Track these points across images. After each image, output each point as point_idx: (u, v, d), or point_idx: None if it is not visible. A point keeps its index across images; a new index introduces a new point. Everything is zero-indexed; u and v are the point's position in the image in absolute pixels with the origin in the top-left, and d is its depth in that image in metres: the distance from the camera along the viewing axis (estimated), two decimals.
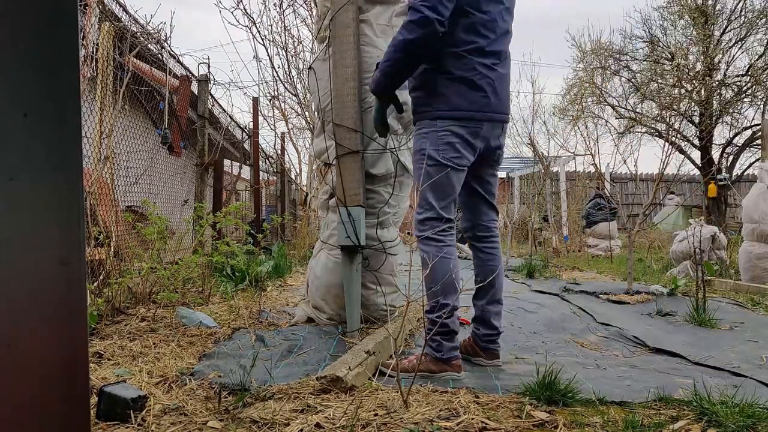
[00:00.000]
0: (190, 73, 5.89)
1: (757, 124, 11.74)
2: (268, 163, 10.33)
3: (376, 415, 1.73)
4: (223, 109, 7.99)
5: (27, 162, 0.76)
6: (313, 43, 3.45)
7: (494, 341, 2.46)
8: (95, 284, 3.26)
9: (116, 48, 4.00)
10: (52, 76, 0.77)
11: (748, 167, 12.69)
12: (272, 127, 10.62)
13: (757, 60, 11.65)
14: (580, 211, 11.26)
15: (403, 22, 2.22)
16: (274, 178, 10.76)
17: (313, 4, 6.30)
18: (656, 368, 2.44)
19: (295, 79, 7.24)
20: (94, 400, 1.74)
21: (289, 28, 7.34)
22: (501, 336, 2.37)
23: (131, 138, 4.53)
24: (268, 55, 8.60)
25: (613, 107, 12.78)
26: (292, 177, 10.86)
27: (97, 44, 3.71)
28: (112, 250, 3.53)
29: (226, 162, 7.78)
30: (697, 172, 13.36)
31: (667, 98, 11.61)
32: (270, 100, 7.75)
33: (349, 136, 2.91)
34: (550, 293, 4.80)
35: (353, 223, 2.84)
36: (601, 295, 4.62)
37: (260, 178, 8.56)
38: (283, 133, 9.61)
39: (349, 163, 2.92)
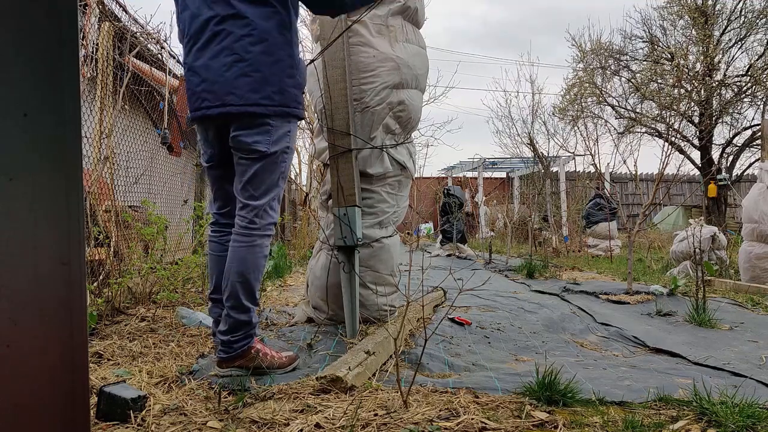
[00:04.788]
0: None
1: (757, 124, 11.74)
2: None
3: (376, 415, 1.73)
4: None
5: (27, 162, 0.76)
6: (312, 43, 3.45)
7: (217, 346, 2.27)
8: (95, 284, 3.26)
9: (116, 48, 3.99)
10: (52, 76, 0.77)
11: (748, 167, 12.70)
12: None
13: (757, 60, 11.65)
14: (580, 211, 11.27)
15: None
16: None
17: None
18: (656, 368, 2.44)
19: None
20: (94, 400, 1.74)
21: None
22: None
23: (131, 138, 4.53)
24: None
25: (613, 107, 12.78)
26: (292, 177, 10.86)
27: (97, 44, 3.71)
28: (112, 250, 3.53)
29: None
30: (697, 172, 13.37)
31: (667, 98, 11.61)
32: None
33: (342, 137, 2.91)
34: (550, 293, 4.80)
35: (349, 223, 2.84)
36: (600, 295, 4.62)
37: None
38: None
39: (343, 163, 2.92)
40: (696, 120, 12.00)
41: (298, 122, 2.29)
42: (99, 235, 3.43)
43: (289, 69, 2.13)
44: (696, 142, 12.12)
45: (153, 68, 4.87)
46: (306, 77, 2.31)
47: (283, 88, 2.11)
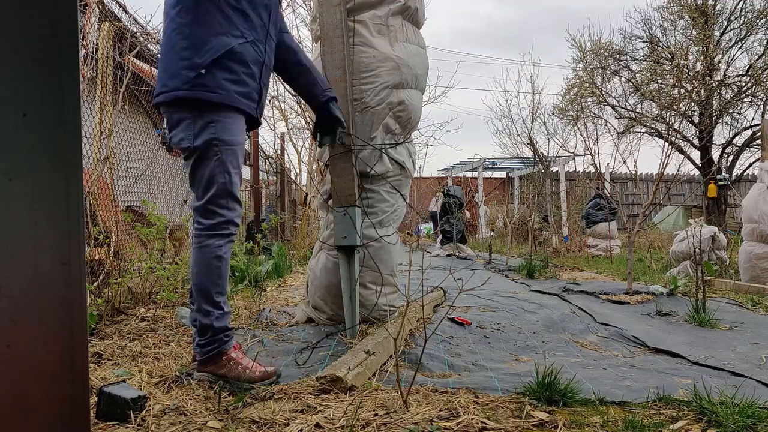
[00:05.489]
0: None
1: (757, 124, 11.75)
2: (267, 163, 10.34)
3: (376, 415, 1.73)
4: None
5: (27, 162, 0.76)
6: (312, 43, 3.45)
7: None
8: (95, 284, 3.26)
9: (116, 48, 4.00)
10: (52, 76, 0.77)
11: (748, 167, 12.70)
12: (272, 127, 10.63)
13: (757, 60, 11.66)
14: (580, 211, 11.27)
15: None
16: (274, 178, 10.77)
17: (312, 5, 6.29)
18: (656, 368, 2.44)
19: None
20: (94, 400, 1.74)
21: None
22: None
23: (131, 138, 4.53)
24: None
25: (613, 107, 12.79)
26: (292, 177, 10.86)
27: (97, 44, 3.71)
28: (112, 250, 3.53)
29: None
30: (697, 172, 13.37)
31: (667, 98, 11.61)
32: (269, 100, 7.75)
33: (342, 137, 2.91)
34: (549, 293, 4.80)
35: (349, 223, 2.84)
36: (600, 295, 4.62)
37: (260, 179, 8.56)
38: (282, 133, 9.62)
39: (342, 163, 2.92)
40: (696, 120, 12.01)
41: (239, 111, 2.10)
42: (99, 235, 3.43)
43: (183, 51, 1.99)
44: (696, 142, 12.13)
45: (153, 68, 4.87)
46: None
47: (176, 72, 1.99)
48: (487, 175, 18.01)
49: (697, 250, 4.58)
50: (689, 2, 11.93)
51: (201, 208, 2.06)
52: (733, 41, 11.95)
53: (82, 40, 3.63)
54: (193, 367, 2.17)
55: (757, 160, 11.82)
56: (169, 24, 2.06)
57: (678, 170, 7.32)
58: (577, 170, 13.77)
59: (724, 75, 12.04)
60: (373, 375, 2.20)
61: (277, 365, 2.26)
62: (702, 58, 11.69)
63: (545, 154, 11.24)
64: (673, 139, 10.71)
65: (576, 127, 10.43)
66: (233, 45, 2.05)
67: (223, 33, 2.03)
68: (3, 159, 0.74)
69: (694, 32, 11.90)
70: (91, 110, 3.70)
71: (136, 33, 4.33)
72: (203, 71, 1.98)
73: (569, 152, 9.81)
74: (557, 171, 14.34)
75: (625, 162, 9.86)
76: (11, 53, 0.74)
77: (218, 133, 2.04)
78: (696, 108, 11.92)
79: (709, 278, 5.22)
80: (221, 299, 2.09)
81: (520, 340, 3.02)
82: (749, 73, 11.57)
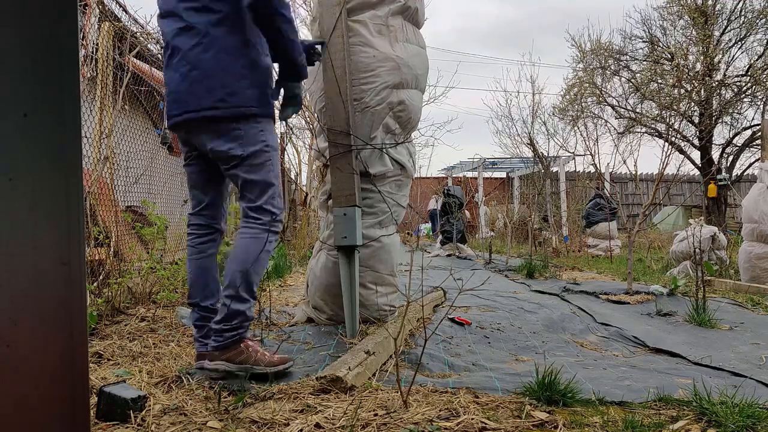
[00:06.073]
0: None
1: (757, 124, 11.75)
2: None
3: (375, 415, 1.73)
4: None
5: (27, 162, 0.76)
6: None
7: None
8: (95, 284, 3.26)
9: (116, 48, 4.00)
10: (52, 76, 0.77)
11: (748, 167, 12.71)
12: None
13: (756, 60, 11.66)
14: (580, 211, 11.27)
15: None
16: None
17: (312, 5, 6.29)
18: (656, 368, 2.44)
19: None
20: (94, 400, 1.74)
21: None
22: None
23: (131, 138, 4.53)
24: None
25: (613, 107, 12.79)
26: (292, 177, 10.85)
27: (97, 44, 3.71)
28: (112, 250, 3.53)
29: None
30: (697, 172, 13.37)
31: (667, 98, 11.61)
32: None
33: (342, 137, 2.91)
34: (549, 293, 4.80)
35: (349, 223, 2.84)
36: (600, 296, 4.62)
37: None
38: (282, 133, 9.62)
39: (343, 163, 2.92)
40: (696, 120, 12.01)
41: (274, 120, 2.31)
42: (99, 235, 3.43)
43: (243, 70, 2.15)
44: (696, 142, 12.13)
45: (153, 68, 4.87)
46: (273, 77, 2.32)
47: (236, 91, 2.13)
48: (487, 175, 18.01)
49: (697, 250, 4.58)
50: (689, 2, 11.94)
51: (257, 208, 2.21)
52: (733, 41, 11.96)
53: (82, 40, 3.63)
54: (198, 365, 2.19)
55: (757, 160, 11.83)
56: (212, 43, 2.11)
57: (678, 170, 7.33)
58: (577, 170, 13.77)
59: (724, 75, 12.04)
60: (373, 375, 2.20)
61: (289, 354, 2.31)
62: (702, 58, 11.70)
63: (545, 154, 11.25)
64: (673, 139, 10.72)
65: (576, 127, 10.44)
66: (270, 65, 2.29)
67: (266, 53, 2.25)
68: (3, 159, 0.74)
69: (694, 32, 11.91)
70: (91, 110, 3.70)
71: (136, 33, 4.33)
72: (268, 90, 2.22)
73: (569, 152, 9.82)
74: (557, 171, 14.35)
75: (625, 162, 9.87)
76: (11, 53, 0.74)
77: (267, 139, 2.22)
78: (696, 108, 11.93)
79: (709, 278, 5.22)
80: (255, 289, 2.22)
81: (520, 340, 3.02)
82: (749, 73, 11.58)
